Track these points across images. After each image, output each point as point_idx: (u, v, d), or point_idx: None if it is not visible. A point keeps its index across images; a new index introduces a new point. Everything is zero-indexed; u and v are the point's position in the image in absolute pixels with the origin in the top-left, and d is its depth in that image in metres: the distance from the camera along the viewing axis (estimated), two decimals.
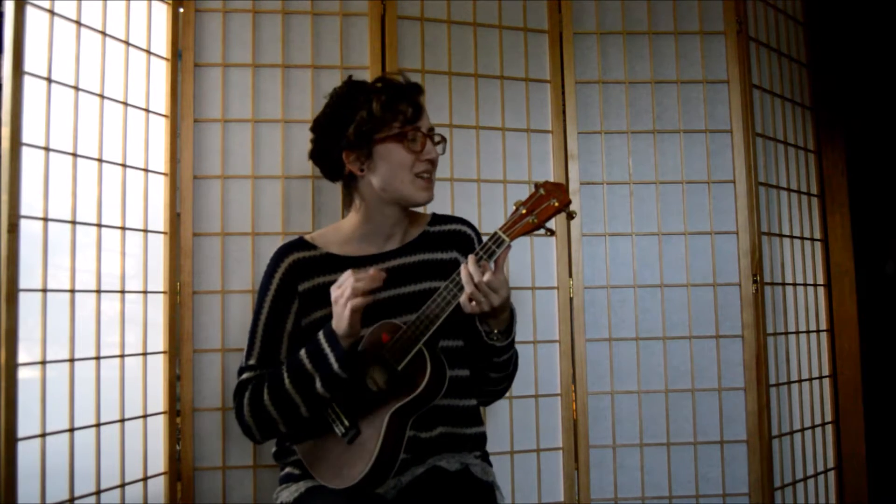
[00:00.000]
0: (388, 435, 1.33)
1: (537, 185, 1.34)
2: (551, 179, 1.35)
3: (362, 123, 1.42)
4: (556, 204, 1.31)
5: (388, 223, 1.49)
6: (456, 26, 2.06)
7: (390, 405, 1.33)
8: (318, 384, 1.34)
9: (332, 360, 1.32)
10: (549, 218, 1.32)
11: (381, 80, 1.48)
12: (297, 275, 1.46)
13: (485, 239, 1.34)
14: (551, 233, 1.35)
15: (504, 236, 1.32)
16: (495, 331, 1.41)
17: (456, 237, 1.56)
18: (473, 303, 1.31)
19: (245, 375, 1.45)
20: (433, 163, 1.46)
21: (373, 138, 1.43)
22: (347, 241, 1.51)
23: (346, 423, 1.37)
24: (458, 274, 1.32)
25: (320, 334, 1.35)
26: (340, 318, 1.30)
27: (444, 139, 1.50)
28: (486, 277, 1.29)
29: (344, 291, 1.29)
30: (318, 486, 1.39)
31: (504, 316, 1.40)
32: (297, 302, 1.45)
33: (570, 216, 1.35)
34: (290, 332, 1.46)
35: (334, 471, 1.37)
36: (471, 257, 1.31)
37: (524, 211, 1.32)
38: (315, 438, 1.41)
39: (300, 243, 1.50)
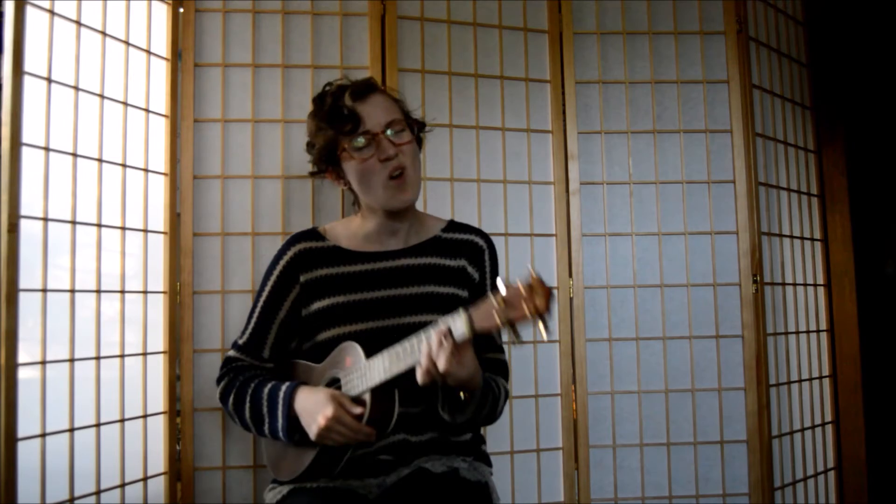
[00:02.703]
0: (322, 454, 1.37)
1: (528, 279, 1.15)
2: (538, 275, 1.15)
3: (316, 152, 1.49)
4: (530, 312, 1.13)
5: (389, 221, 1.50)
6: (456, 26, 2.06)
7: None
8: (266, 429, 1.42)
9: (279, 425, 1.38)
10: (520, 323, 1.15)
11: (327, 95, 1.48)
12: (300, 264, 1.48)
13: (454, 318, 1.22)
14: (518, 338, 1.18)
15: (466, 329, 1.19)
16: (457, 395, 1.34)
17: (468, 247, 1.55)
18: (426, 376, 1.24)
19: (231, 353, 1.53)
20: (391, 158, 1.41)
21: (331, 161, 1.48)
22: (355, 236, 1.53)
23: None
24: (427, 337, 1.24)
25: (281, 392, 1.39)
26: (312, 422, 1.31)
27: (415, 126, 1.49)
28: (442, 358, 1.20)
29: (333, 428, 1.29)
30: (300, 487, 1.40)
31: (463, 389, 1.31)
32: (298, 291, 1.47)
33: (546, 327, 1.15)
34: (283, 321, 1.49)
35: (285, 465, 1.44)
36: (436, 333, 1.22)
37: (500, 306, 1.15)
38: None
39: (311, 233, 1.53)
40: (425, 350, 1.22)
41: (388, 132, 1.43)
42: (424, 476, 1.40)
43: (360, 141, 1.42)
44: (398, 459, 1.42)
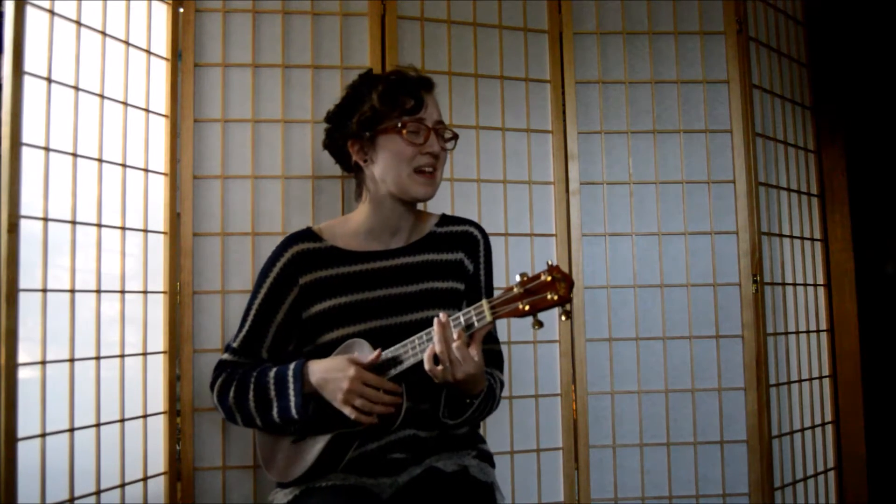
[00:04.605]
0: (326, 452, 1.36)
1: (549, 269, 1.20)
2: (557, 265, 1.22)
3: (364, 114, 1.44)
4: (555, 298, 1.19)
5: (393, 216, 1.49)
6: (456, 26, 2.06)
7: (338, 426, 1.35)
8: (275, 413, 1.38)
9: (292, 403, 1.36)
10: (541, 310, 1.21)
11: (393, 73, 1.50)
12: (298, 266, 1.46)
13: (466, 309, 1.26)
14: (539, 325, 1.23)
15: (488, 313, 1.23)
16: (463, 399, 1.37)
17: (463, 238, 1.55)
18: (440, 367, 1.26)
19: (225, 356, 1.50)
20: (435, 156, 1.44)
21: (375, 129, 1.44)
22: (354, 235, 1.51)
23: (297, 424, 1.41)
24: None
25: (290, 370, 1.37)
26: (337, 388, 1.31)
27: (455, 136, 1.49)
28: (455, 345, 1.24)
29: (358, 389, 1.29)
30: (313, 487, 1.40)
31: (468, 392, 1.33)
32: (296, 294, 1.46)
33: (567, 314, 1.22)
34: (280, 324, 1.47)
35: (281, 466, 1.42)
36: (443, 314, 1.26)
37: (521, 291, 1.21)
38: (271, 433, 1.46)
39: (307, 234, 1.50)
40: (438, 335, 1.24)
41: (440, 130, 1.47)
42: (436, 475, 1.41)
43: (415, 125, 1.43)
44: (410, 457, 1.43)
